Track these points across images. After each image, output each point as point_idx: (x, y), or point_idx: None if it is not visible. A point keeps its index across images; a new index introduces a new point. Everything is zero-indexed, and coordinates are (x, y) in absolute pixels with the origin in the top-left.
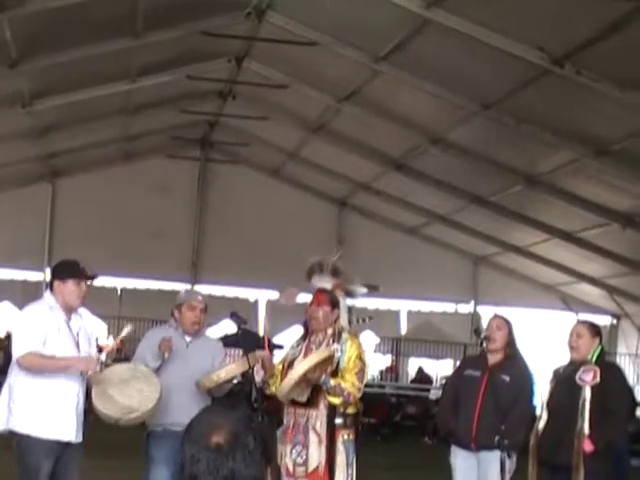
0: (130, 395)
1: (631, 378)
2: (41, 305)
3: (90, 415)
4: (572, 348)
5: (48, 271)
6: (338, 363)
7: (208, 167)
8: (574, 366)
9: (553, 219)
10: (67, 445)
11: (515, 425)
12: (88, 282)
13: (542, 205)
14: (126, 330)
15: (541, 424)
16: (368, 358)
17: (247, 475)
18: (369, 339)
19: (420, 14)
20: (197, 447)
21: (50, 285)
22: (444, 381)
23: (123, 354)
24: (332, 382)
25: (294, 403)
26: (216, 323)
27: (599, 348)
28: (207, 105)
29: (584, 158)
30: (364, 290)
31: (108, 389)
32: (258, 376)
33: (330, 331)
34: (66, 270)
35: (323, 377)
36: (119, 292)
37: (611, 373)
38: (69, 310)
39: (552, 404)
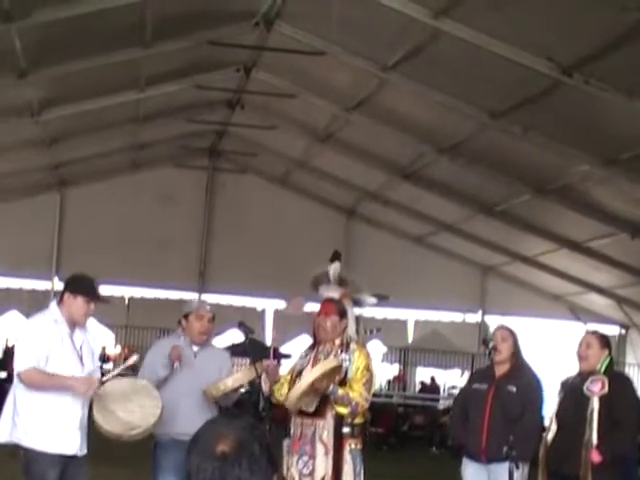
0: (132, 410)
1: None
2: (45, 317)
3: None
4: (581, 358)
5: (56, 280)
6: (346, 373)
7: (216, 176)
8: (582, 376)
9: (561, 228)
10: (72, 458)
11: (524, 435)
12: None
13: (550, 214)
14: (132, 360)
15: (550, 435)
16: (375, 368)
17: None
18: (376, 348)
19: (428, 23)
20: (203, 456)
21: (61, 295)
22: (452, 391)
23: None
24: (340, 392)
25: (301, 413)
26: (223, 332)
27: (608, 359)
28: (215, 114)
29: (593, 167)
30: (374, 300)
31: (110, 405)
32: (265, 385)
33: (338, 341)
34: (81, 286)
35: (331, 387)
36: (127, 301)
37: (620, 383)
38: (73, 324)
39: (560, 415)
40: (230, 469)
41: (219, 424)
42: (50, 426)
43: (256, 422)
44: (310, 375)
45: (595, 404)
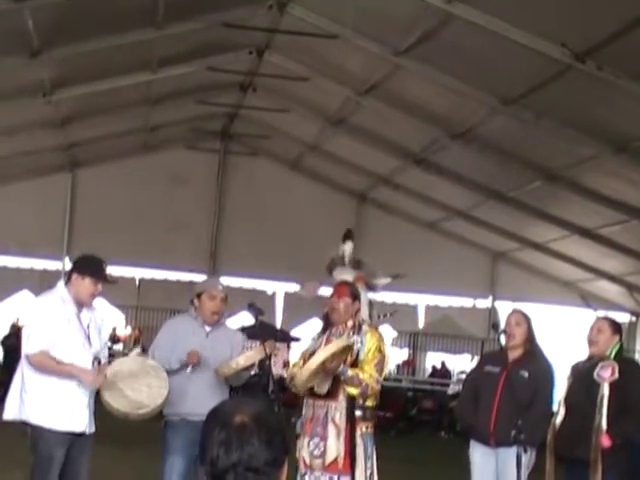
0: (139, 390)
1: None
2: (53, 296)
3: (100, 407)
4: (592, 343)
5: (67, 260)
6: (357, 355)
7: (228, 159)
8: (592, 361)
9: (572, 215)
10: (80, 435)
11: (533, 421)
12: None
13: (561, 201)
14: (134, 352)
15: (558, 419)
16: (388, 350)
17: (269, 455)
18: (387, 333)
19: (441, 8)
20: (221, 424)
21: (68, 275)
22: (462, 376)
23: (141, 344)
24: (350, 372)
25: (314, 395)
26: (233, 315)
27: (618, 345)
28: (227, 97)
29: (604, 154)
30: (388, 280)
31: (118, 382)
32: (276, 367)
33: (350, 323)
34: (88, 267)
35: (341, 367)
36: (137, 282)
37: (630, 369)
38: (80, 304)
39: (570, 400)
40: (248, 438)
41: (237, 400)
42: (58, 404)
43: (273, 403)
44: (321, 354)
45: (605, 390)
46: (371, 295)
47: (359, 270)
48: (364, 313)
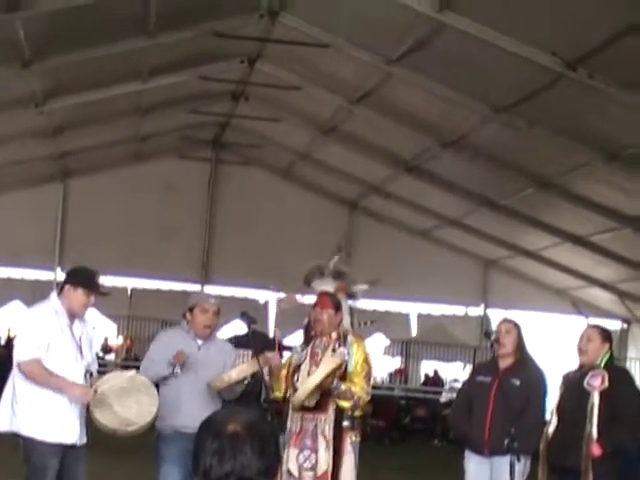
0: (129, 406)
1: None
2: (46, 307)
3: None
4: (581, 351)
5: (59, 271)
6: (346, 367)
7: (219, 168)
8: (583, 370)
9: (564, 223)
10: (71, 447)
11: (527, 429)
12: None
13: (553, 209)
14: (130, 373)
15: (551, 428)
16: (373, 360)
17: (262, 465)
18: (379, 341)
19: (433, 17)
20: (214, 433)
21: (61, 286)
22: (454, 384)
23: (132, 354)
24: (343, 387)
25: (302, 408)
26: (226, 324)
27: (608, 353)
28: (219, 106)
29: (596, 162)
30: (365, 287)
31: (108, 398)
32: (268, 377)
33: (335, 335)
34: (81, 278)
35: (334, 382)
36: (129, 292)
37: (620, 378)
38: (73, 316)
39: (561, 409)
40: (241, 447)
41: (231, 409)
42: (50, 415)
43: (265, 412)
44: (317, 375)
45: (595, 399)
46: (358, 304)
47: (340, 280)
48: (345, 322)
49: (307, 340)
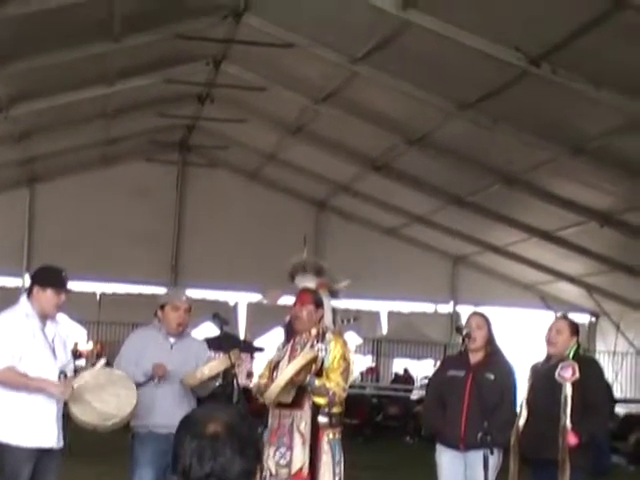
0: (107, 401)
1: (609, 375)
2: (16, 312)
3: (69, 422)
4: (550, 343)
5: (27, 277)
6: (322, 363)
7: (187, 170)
8: (552, 362)
9: (531, 218)
10: (48, 450)
11: (501, 423)
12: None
13: (520, 204)
14: (99, 364)
15: (521, 421)
16: (352, 357)
17: (241, 465)
18: (352, 340)
19: (396, 15)
20: (193, 433)
21: (29, 290)
22: (425, 381)
23: (104, 358)
24: (317, 383)
25: (279, 404)
26: (197, 326)
27: (575, 346)
28: (185, 108)
29: (561, 157)
30: (346, 283)
31: (85, 394)
32: (240, 377)
33: (314, 331)
34: (48, 278)
35: (308, 378)
36: (98, 297)
37: (589, 368)
38: (45, 317)
39: (532, 401)
40: (221, 448)
41: (210, 408)
42: (26, 420)
43: (245, 412)
44: (288, 371)
45: (568, 390)
46: (334, 301)
47: (321, 277)
48: (328, 319)
49: (289, 338)
